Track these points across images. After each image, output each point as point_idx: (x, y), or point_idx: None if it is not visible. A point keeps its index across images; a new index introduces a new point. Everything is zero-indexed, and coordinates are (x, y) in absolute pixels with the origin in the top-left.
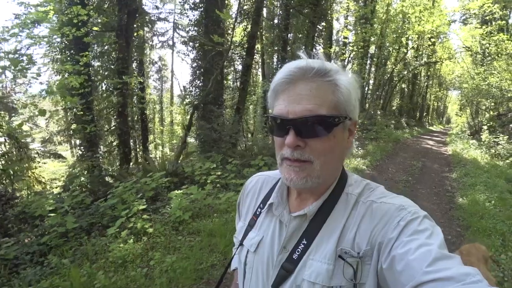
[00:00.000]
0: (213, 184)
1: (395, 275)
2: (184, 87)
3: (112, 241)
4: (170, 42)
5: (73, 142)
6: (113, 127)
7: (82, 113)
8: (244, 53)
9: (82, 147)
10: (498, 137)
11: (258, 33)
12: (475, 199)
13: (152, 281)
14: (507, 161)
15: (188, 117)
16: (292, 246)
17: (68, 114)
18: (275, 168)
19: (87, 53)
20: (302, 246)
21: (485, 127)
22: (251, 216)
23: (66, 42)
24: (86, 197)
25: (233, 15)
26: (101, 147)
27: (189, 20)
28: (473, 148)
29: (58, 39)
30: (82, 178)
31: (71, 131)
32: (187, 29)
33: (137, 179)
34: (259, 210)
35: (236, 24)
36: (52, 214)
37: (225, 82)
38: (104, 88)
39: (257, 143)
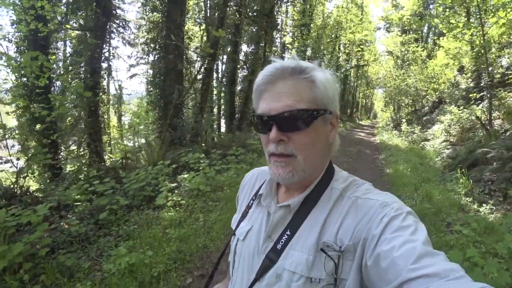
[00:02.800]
0: (207, 169)
1: (380, 272)
2: (119, 85)
3: (157, 212)
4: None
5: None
6: (75, 125)
7: (47, 112)
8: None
9: (35, 149)
10: (414, 128)
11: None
12: (397, 169)
13: (211, 228)
14: (420, 145)
15: (150, 114)
16: (277, 237)
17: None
18: (250, 155)
19: (54, 51)
20: (286, 237)
21: (404, 120)
22: (245, 207)
23: (23, 38)
24: (115, 183)
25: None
26: (62, 147)
27: (150, 22)
28: (395, 137)
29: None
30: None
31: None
32: (146, 30)
33: (146, 168)
34: (251, 202)
35: (201, 31)
36: (78, 203)
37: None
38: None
39: (225, 138)
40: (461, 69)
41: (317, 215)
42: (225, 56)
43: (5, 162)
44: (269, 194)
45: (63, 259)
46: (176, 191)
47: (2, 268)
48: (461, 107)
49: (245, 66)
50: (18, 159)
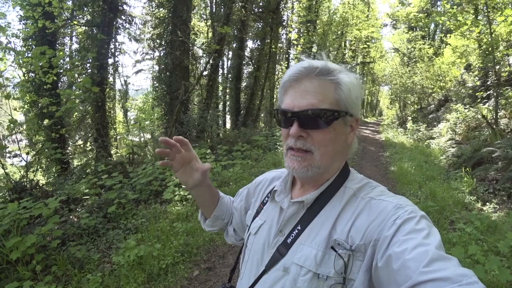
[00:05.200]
0: (214, 165)
1: (391, 273)
2: (125, 80)
3: (164, 206)
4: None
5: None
6: (82, 120)
7: (54, 108)
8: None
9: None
10: (419, 126)
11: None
12: (402, 167)
13: None
14: (425, 143)
15: (156, 111)
16: (288, 231)
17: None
18: (255, 150)
19: (62, 48)
20: (296, 231)
21: (410, 118)
22: (259, 204)
23: (31, 35)
24: (123, 177)
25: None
26: (70, 142)
27: (156, 18)
28: (400, 134)
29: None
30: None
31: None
32: (152, 26)
33: (152, 163)
34: (266, 199)
35: (207, 27)
36: (87, 197)
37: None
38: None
39: (230, 133)
40: (468, 67)
41: (329, 212)
42: (230, 52)
43: (14, 157)
44: (283, 190)
45: (74, 250)
46: (183, 186)
47: (15, 259)
48: (467, 106)
49: (250, 62)
50: (27, 153)
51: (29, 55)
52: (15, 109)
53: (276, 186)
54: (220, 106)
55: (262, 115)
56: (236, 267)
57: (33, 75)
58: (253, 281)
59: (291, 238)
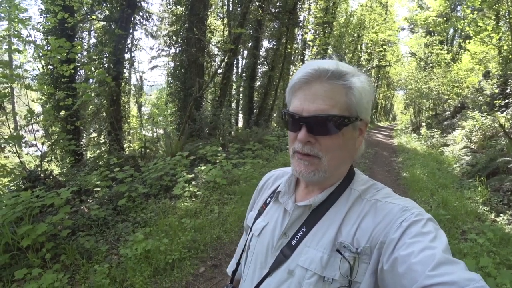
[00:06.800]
0: (225, 162)
1: (396, 277)
2: (140, 76)
3: (173, 202)
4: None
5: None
6: (96, 113)
7: (70, 100)
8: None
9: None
10: (433, 132)
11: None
12: (414, 173)
13: (225, 220)
14: (439, 150)
15: (169, 106)
16: (293, 233)
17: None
18: (267, 150)
19: (80, 42)
20: (301, 233)
21: (424, 124)
22: (262, 205)
23: (51, 28)
24: (134, 171)
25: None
26: (84, 134)
27: (173, 15)
28: (414, 140)
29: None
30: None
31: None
32: (169, 23)
33: (164, 158)
34: (269, 199)
35: (223, 25)
36: (98, 189)
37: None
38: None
39: (242, 132)
40: (486, 74)
41: (334, 214)
42: (245, 51)
43: (30, 146)
44: (287, 191)
45: (83, 241)
46: (193, 182)
47: (26, 246)
48: (484, 114)
49: (265, 62)
50: (42, 143)
51: (49, 48)
52: (33, 101)
53: (280, 186)
54: (233, 105)
55: (275, 115)
56: (238, 268)
57: (52, 67)
58: (256, 283)
59: (296, 239)
